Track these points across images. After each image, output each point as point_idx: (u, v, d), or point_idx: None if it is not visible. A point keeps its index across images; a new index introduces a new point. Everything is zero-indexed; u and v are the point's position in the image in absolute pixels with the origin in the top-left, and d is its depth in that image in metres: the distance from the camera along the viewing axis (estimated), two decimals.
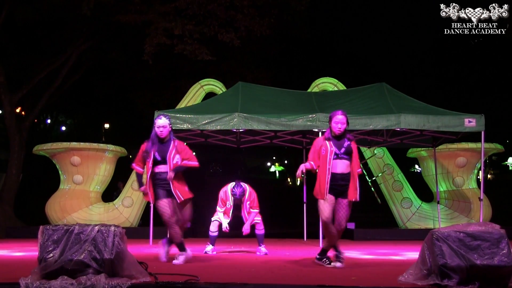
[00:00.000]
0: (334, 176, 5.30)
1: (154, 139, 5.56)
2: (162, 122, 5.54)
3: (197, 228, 12.65)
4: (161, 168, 5.52)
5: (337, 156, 5.30)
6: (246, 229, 6.99)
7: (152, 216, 8.98)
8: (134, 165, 5.71)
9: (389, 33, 23.37)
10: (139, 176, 5.70)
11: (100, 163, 11.77)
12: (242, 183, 7.04)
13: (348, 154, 5.33)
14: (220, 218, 7.07)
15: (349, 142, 5.36)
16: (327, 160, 5.30)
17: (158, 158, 5.50)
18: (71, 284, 3.52)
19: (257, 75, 16.44)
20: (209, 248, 7.12)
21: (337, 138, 5.38)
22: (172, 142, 5.59)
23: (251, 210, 7.01)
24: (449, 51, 21.16)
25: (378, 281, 4.21)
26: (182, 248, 5.63)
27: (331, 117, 5.44)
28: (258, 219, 7.06)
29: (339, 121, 5.36)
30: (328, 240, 5.52)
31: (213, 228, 7.11)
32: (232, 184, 7.04)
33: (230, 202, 7.03)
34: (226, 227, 7.05)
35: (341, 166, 5.30)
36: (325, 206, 5.34)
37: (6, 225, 12.39)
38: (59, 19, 14.42)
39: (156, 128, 5.55)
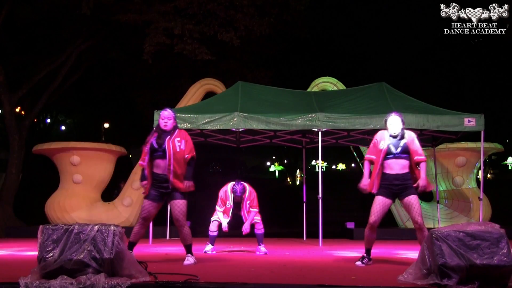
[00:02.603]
0: (387, 177, 5.29)
1: (158, 132, 5.40)
2: (167, 114, 5.38)
3: (196, 228, 12.66)
4: (158, 168, 5.34)
5: (393, 156, 5.27)
6: (245, 228, 6.99)
7: None
8: (140, 162, 5.54)
9: (389, 32, 23.38)
10: (143, 170, 5.49)
11: (100, 163, 11.77)
12: (242, 182, 7.04)
13: (405, 152, 5.29)
14: (220, 218, 7.08)
15: (406, 141, 5.31)
16: (380, 156, 5.30)
17: (155, 145, 5.31)
18: (71, 284, 3.52)
19: (257, 75, 16.44)
20: (208, 247, 7.12)
21: (395, 137, 5.36)
22: (173, 131, 5.40)
23: (250, 209, 7.01)
24: (449, 51, 21.16)
25: (378, 280, 4.21)
26: (130, 247, 5.41)
27: (386, 119, 5.45)
28: (258, 218, 7.06)
29: (393, 122, 5.37)
30: (366, 242, 5.47)
31: (212, 228, 7.11)
32: (232, 183, 7.05)
33: (230, 202, 7.03)
34: (226, 227, 7.05)
35: (397, 167, 5.27)
36: (376, 209, 5.32)
37: (6, 225, 12.39)
38: (58, 19, 14.41)
39: (160, 120, 5.40)
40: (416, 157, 5.30)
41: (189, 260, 5.48)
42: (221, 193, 7.11)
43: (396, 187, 5.28)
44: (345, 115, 8.68)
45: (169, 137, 5.35)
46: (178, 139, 5.36)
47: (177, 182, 5.32)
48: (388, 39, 23.54)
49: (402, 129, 5.37)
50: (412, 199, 5.26)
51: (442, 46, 20.88)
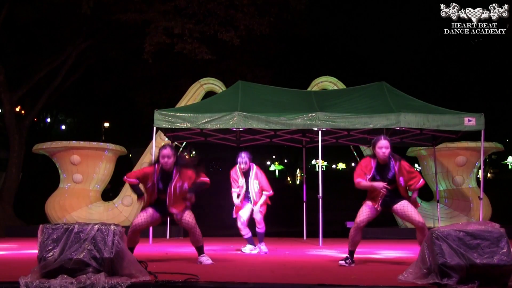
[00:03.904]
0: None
1: (160, 170, 5.45)
2: (166, 152, 5.40)
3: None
4: (161, 196, 5.44)
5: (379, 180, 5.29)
6: (259, 210, 6.94)
7: None
8: (125, 177, 5.53)
9: (389, 32, 23.38)
10: (135, 187, 5.51)
11: (100, 162, 11.77)
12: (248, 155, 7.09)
13: (393, 182, 5.29)
14: (241, 216, 7.03)
15: (393, 171, 5.27)
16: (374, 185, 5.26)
17: (160, 187, 5.41)
18: (71, 283, 3.52)
19: (257, 74, 16.44)
20: (247, 248, 7.12)
21: (382, 165, 5.32)
22: (174, 170, 5.43)
23: (263, 193, 7.02)
24: (449, 51, 21.16)
25: (378, 280, 4.21)
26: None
27: (374, 143, 5.39)
28: (262, 209, 6.98)
29: (383, 145, 5.29)
30: (350, 243, 5.45)
31: (243, 231, 7.06)
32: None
33: (242, 180, 7.02)
34: (245, 221, 7.00)
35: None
36: (364, 211, 5.35)
37: (6, 224, 12.39)
38: (59, 18, 14.42)
39: (160, 159, 5.43)
40: (412, 187, 5.36)
41: (209, 260, 5.52)
42: (232, 173, 7.14)
43: (387, 196, 5.31)
44: (345, 114, 8.67)
45: (170, 181, 5.40)
46: (180, 184, 5.41)
47: (177, 208, 5.43)
48: (388, 39, 23.54)
49: (389, 154, 5.31)
50: (405, 203, 5.31)
51: (442, 46, 20.87)
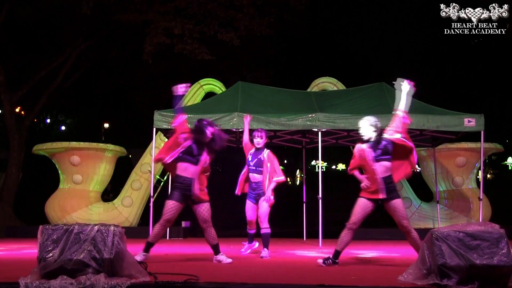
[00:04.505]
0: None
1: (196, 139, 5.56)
2: (216, 130, 5.63)
3: (196, 227, 12.65)
4: (186, 172, 5.49)
5: (374, 159, 5.24)
6: (267, 198, 6.65)
7: (152, 215, 8.97)
8: (161, 157, 5.65)
9: (389, 32, 23.35)
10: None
11: (100, 163, 11.77)
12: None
13: (386, 154, 5.25)
14: (248, 205, 6.91)
15: (385, 142, 5.26)
16: (368, 162, 5.26)
17: (195, 152, 5.50)
18: (71, 284, 3.52)
19: (257, 75, 16.43)
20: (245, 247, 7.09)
21: (374, 141, 5.30)
22: (207, 147, 5.61)
23: (274, 179, 6.72)
24: (449, 51, 21.14)
25: (378, 280, 4.21)
26: (147, 248, 5.54)
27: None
28: (267, 202, 6.72)
29: (362, 125, 5.38)
30: (338, 242, 5.42)
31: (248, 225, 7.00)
32: None
33: (249, 158, 6.89)
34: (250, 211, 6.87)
35: (380, 170, 5.22)
36: (356, 210, 5.34)
37: (6, 225, 12.40)
38: (59, 19, 14.42)
39: (208, 132, 5.55)
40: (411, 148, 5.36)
41: (228, 259, 5.62)
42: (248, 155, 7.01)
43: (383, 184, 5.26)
44: (345, 115, 8.68)
45: (205, 150, 5.57)
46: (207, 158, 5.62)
47: (200, 193, 5.56)
48: (388, 39, 23.49)
49: (372, 132, 5.30)
50: (397, 202, 5.28)
51: (442, 46, 20.85)
